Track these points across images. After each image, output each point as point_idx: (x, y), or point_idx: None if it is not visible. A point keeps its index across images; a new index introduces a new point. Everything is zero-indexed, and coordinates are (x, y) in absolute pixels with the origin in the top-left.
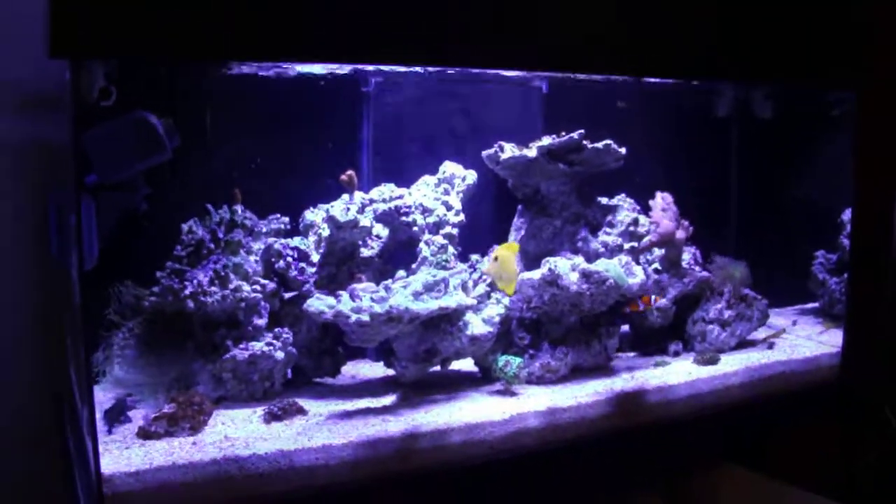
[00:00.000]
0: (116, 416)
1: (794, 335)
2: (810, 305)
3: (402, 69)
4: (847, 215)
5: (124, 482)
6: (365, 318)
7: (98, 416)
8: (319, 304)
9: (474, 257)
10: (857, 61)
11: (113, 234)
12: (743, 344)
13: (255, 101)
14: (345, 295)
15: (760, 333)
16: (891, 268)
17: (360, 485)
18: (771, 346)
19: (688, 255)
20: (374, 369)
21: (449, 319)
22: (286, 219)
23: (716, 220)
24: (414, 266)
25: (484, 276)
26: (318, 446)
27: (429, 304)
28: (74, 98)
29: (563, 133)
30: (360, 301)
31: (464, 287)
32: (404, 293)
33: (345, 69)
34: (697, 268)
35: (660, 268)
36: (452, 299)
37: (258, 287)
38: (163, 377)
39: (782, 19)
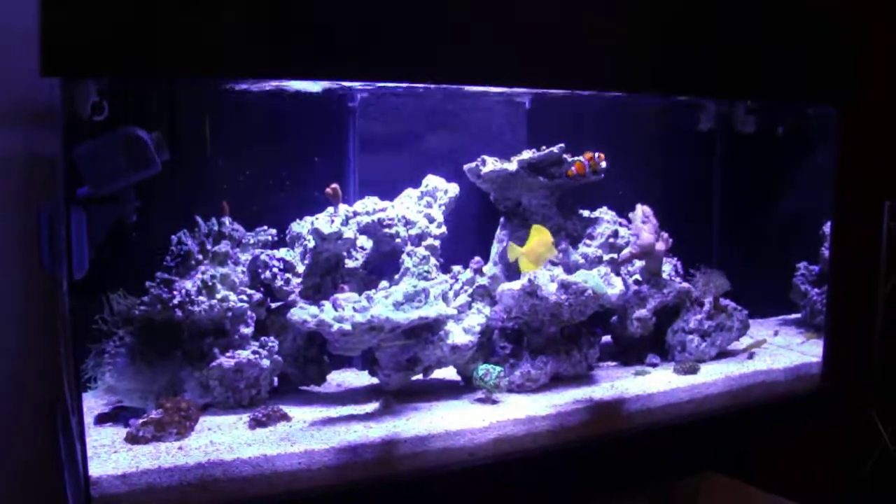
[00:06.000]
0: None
1: (776, 345)
2: (792, 316)
3: (390, 85)
4: (828, 227)
5: (111, 484)
6: (347, 327)
7: (90, 420)
8: (302, 313)
9: (456, 268)
10: (839, 77)
11: (103, 245)
12: (723, 354)
13: (244, 116)
14: (327, 304)
15: (741, 344)
16: (873, 278)
17: (341, 489)
18: (751, 357)
19: (668, 267)
20: (359, 378)
21: (430, 329)
22: (273, 230)
23: (698, 232)
24: (397, 277)
25: (465, 287)
26: (300, 451)
27: (409, 314)
28: (65, 114)
29: (544, 147)
30: (343, 310)
31: (444, 297)
32: (385, 303)
33: (328, 84)
34: (678, 279)
35: (640, 279)
36: (432, 309)
37: (245, 297)
38: (152, 384)
39: (764, 36)
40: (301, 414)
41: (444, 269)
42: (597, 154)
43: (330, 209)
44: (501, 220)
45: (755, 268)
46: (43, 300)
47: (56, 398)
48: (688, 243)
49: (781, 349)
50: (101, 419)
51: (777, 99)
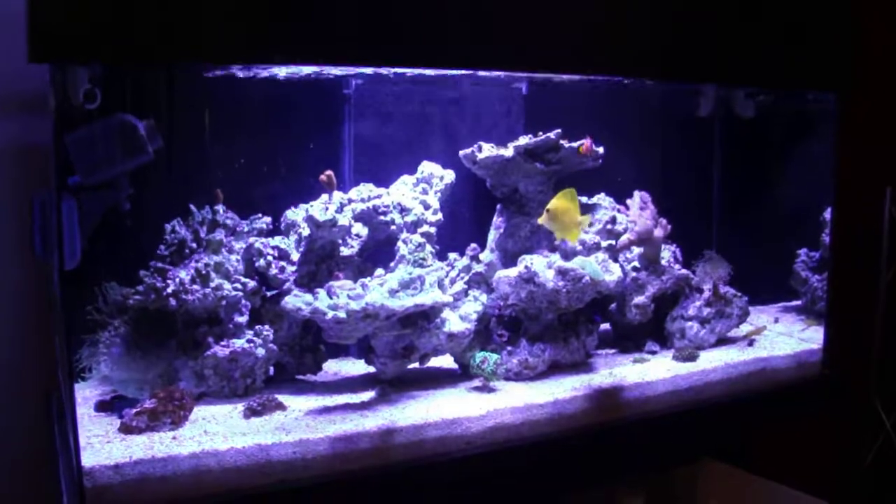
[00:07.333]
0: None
1: (776, 332)
2: (793, 303)
3: (384, 71)
4: (829, 214)
5: (104, 475)
6: (341, 314)
7: (87, 410)
8: (297, 301)
9: (452, 256)
10: (839, 62)
11: (97, 233)
12: (723, 341)
13: (238, 103)
14: (322, 292)
15: (741, 331)
16: (874, 265)
17: (337, 479)
18: (751, 344)
19: (667, 254)
20: (356, 366)
21: (426, 316)
22: (268, 218)
23: (698, 218)
24: (392, 264)
25: (461, 274)
26: (295, 441)
27: (404, 301)
28: (54, 101)
29: (541, 133)
30: (337, 298)
31: (440, 284)
32: (380, 290)
33: (323, 70)
34: (677, 266)
35: (639, 266)
36: (428, 296)
37: (239, 285)
38: (147, 374)
39: (764, 21)
40: (297, 403)
41: (441, 256)
42: (590, 141)
43: (325, 196)
44: (498, 206)
45: (755, 254)
46: (40, 289)
47: (52, 388)
48: (687, 230)
49: (782, 336)
50: (101, 406)
51: (776, 84)
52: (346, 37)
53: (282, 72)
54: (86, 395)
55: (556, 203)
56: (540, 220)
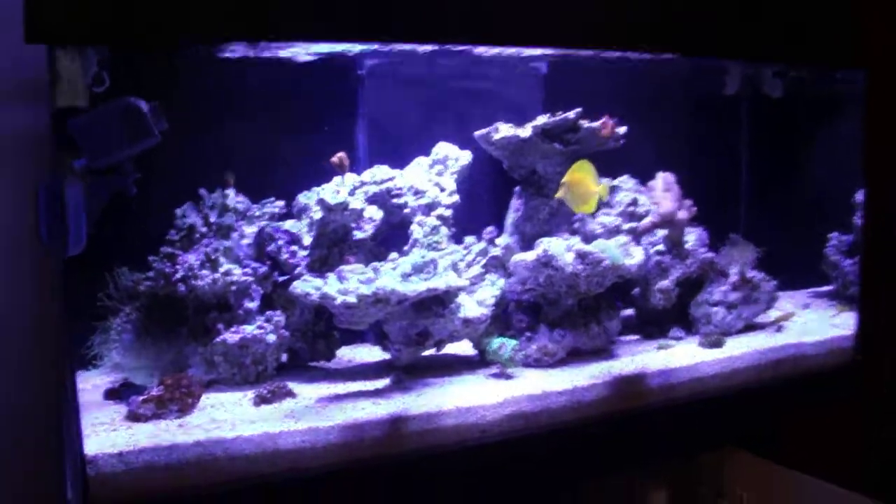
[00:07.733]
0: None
1: (806, 318)
2: (824, 288)
3: (404, 48)
4: (861, 196)
5: (108, 463)
6: (351, 299)
7: (97, 397)
8: (306, 286)
9: (469, 239)
10: (867, 39)
11: (105, 218)
12: (750, 327)
13: (249, 85)
14: (332, 276)
15: (769, 316)
16: None
17: (347, 468)
18: (780, 329)
19: (693, 237)
20: (371, 353)
21: (440, 301)
22: (280, 202)
23: (726, 200)
24: (406, 248)
25: (478, 258)
26: (304, 429)
27: (417, 286)
28: (51, 82)
29: (560, 112)
30: (348, 283)
31: (455, 268)
32: (392, 274)
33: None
34: (702, 249)
35: (663, 249)
36: (441, 280)
37: (249, 270)
38: (158, 361)
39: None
40: (308, 390)
41: (457, 239)
42: (611, 121)
43: (337, 179)
44: (516, 188)
45: (785, 238)
46: (47, 276)
47: (65, 376)
48: (714, 212)
49: (812, 322)
50: (109, 394)
51: (802, 61)
52: (354, 12)
53: (286, 53)
54: (96, 382)
55: (571, 175)
56: (557, 195)
